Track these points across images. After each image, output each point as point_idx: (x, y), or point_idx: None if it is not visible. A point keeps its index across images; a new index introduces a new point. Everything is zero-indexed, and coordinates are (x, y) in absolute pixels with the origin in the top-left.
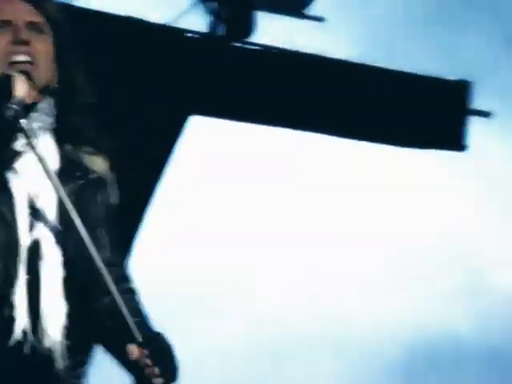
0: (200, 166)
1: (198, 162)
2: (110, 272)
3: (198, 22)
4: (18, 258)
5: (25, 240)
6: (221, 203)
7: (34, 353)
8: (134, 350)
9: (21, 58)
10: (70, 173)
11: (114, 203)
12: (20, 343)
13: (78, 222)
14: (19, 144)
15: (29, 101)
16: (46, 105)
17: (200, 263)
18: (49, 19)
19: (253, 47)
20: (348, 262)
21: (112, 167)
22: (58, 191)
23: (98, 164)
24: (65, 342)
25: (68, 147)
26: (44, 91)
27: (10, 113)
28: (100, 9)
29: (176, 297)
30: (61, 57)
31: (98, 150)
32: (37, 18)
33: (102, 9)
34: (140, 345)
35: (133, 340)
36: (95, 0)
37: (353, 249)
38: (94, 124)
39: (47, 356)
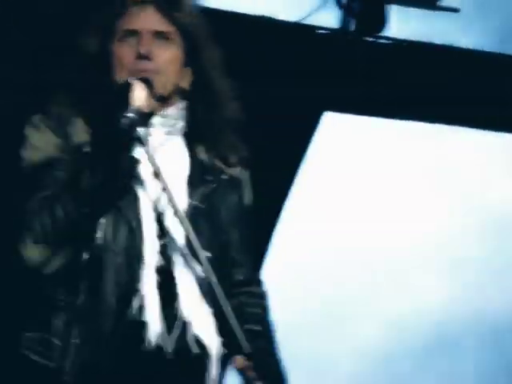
0: (334, 163)
1: (331, 159)
2: (238, 274)
3: (329, 18)
4: (142, 264)
5: (152, 245)
6: (354, 201)
7: (179, 358)
8: (238, 361)
9: (143, 67)
10: (201, 177)
11: (248, 204)
12: (159, 348)
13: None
14: (137, 152)
15: (147, 109)
16: (176, 109)
17: (335, 263)
18: (179, 26)
19: (385, 41)
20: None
21: (246, 167)
22: (172, 203)
23: (231, 164)
24: (216, 345)
25: (200, 150)
26: (171, 96)
27: (125, 121)
28: (231, 9)
29: (310, 298)
30: (195, 60)
31: (232, 151)
32: (165, 26)
33: (234, 9)
34: (246, 356)
35: (240, 351)
36: (225, 1)
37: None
38: (228, 124)
39: (198, 361)
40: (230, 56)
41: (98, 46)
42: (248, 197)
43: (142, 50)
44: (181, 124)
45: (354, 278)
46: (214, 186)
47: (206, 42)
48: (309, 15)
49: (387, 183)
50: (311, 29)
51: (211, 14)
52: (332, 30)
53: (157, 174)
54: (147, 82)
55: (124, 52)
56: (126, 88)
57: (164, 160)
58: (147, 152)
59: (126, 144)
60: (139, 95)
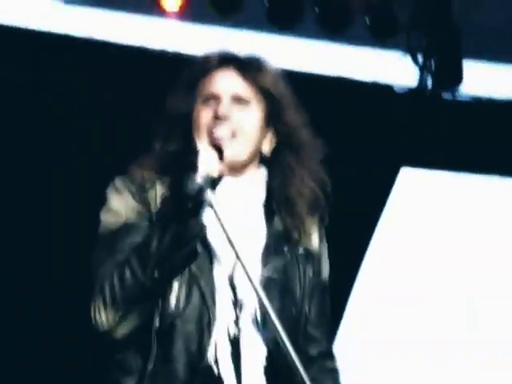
0: (411, 217)
1: (409, 213)
2: (312, 349)
3: (406, 75)
4: (213, 333)
5: (225, 314)
6: (432, 258)
7: None
8: None
9: (220, 133)
10: (276, 248)
11: (324, 278)
12: None
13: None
14: (208, 217)
15: (217, 174)
16: (254, 175)
17: (417, 326)
18: (260, 88)
19: (462, 98)
20: None
21: (324, 239)
22: (246, 273)
23: (309, 237)
24: None
25: (277, 219)
26: (250, 161)
27: (192, 187)
28: (310, 71)
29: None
30: (277, 123)
31: (311, 222)
32: (244, 89)
33: (312, 71)
34: None
35: None
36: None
37: None
38: (310, 194)
39: None
40: (311, 115)
41: (182, 110)
42: (326, 271)
43: (220, 113)
44: (259, 191)
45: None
46: (289, 258)
47: (289, 103)
48: (386, 74)
49: (465, 238)
50: (389, 87)
51: (292, 76)
52: (409, 88)
53: (229, 241)
54: (218, 150)
55: (203, 115)
56: (195, 152)
57: (239, 227)
58: (218, 218)
59: (193, 209)
60: (209, 160)
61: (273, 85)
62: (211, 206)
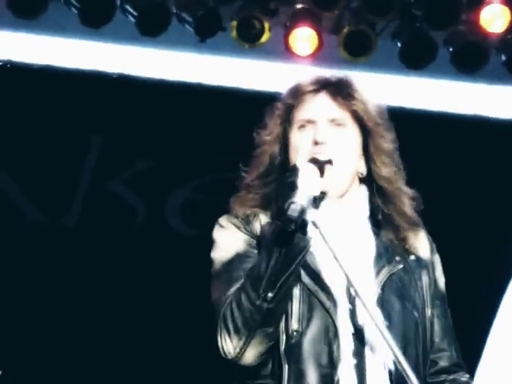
0: None
1: None
2: (442, 360)
3: None
4: (338, 344)
5: (347, 327)
6: None
7: None
8: None
9: (319, 157)
10: (387, 258)
11: (442, 288)
12: None
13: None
14: (313, 236)
15: (319, 191)
16: (356, 193)
17: None
18: (353, 112)
19: None
20: None
21: (433, 249)
22: (356, 291)
23: (417, 247)
24: None
25: (383, 232)
26: (350, 181)
27: (293, 208)
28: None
29: None
30: (367, 146)
31: (414, 235)
32: (339, 113)
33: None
34: None
35: None
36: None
37: None
38: (407, 211)
39: None
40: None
41: (277, 137)
42: (442, 281)
43: (318, 137)
44: (363, 207)
45: None
46: (402, 265)
47: (380, 127)
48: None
49: None
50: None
51: (426, 116)
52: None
53: (336, 259)
54: (320, 170)
55: (301, 140)
56: (295, 173)
57: (348, 241)
58: (323, 236)
59: (296, 231)
60: (309, 178)
61: (364, 108)
62: (315, 225)
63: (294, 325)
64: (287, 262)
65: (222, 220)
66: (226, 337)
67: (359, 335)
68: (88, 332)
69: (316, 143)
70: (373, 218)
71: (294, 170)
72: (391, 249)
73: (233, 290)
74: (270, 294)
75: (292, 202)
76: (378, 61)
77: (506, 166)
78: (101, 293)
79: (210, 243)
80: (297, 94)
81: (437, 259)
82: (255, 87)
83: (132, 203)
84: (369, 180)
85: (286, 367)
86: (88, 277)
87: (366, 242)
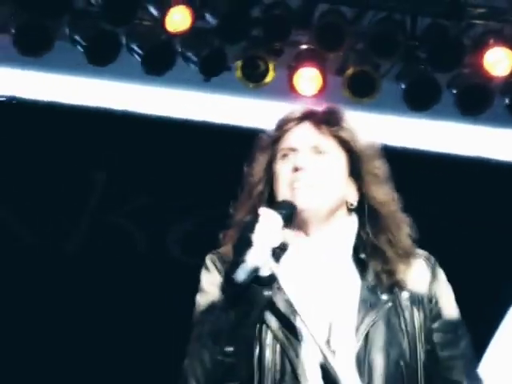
0: None
1: None
2: None
3: None
4: None
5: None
6: None
7: None
8: None
9: (298, 184)
10: (372, 301)
11: (449, 317)
12: None
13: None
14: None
15: (276, 244)
16: (342, 224)
17: None
18: (338, 139)
19: None
20: None
21: (436, 276)
22: (316, 341)
23: (412, 278)
24: None
25: (370, 269)
26: (334, 210)
27: (241, 270)
28: (448, 151)
29: None
30: (356, 174)
31: (406, 265)
32: (321, 141)
33: (450, 151)
34: None
35: None
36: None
37: None
38: (399, 241)
39: None
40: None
41: (263, 169)
42: (449, 309)
43: (298, 163)
44: (348, 239)
45: None
46: (389, 306)
47: (369, 156)
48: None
49: None
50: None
51: (425, 157)
52: None
53: (299, 316)
54: (288, 209)
55: (283, 169)
56: (251, 225)
57: (330, 280)
58: (284, 292)
59: (240, 292)
60: (268, 230)
61: (350, 135)
62: (272, 280)
63: (269, 380)
64: (246, 317)
65: (207, 259)
66: None
67: None
68: (88, 359)
69: (295, 169)
70: (357, 252)
71: (250, 222)
72: (378, 287)
73: (199, 344)
74: (229, 349)
75: (241, 262)
76: (382, 102)
77: (507, 208)
78: (101, 318)
79: None
80: (282, 125)
81: (440, 287)
82: (259, 126)
83: (134, 234)
84: (361, 207)
85: None
86: (89, 303)
87: (350, 285)
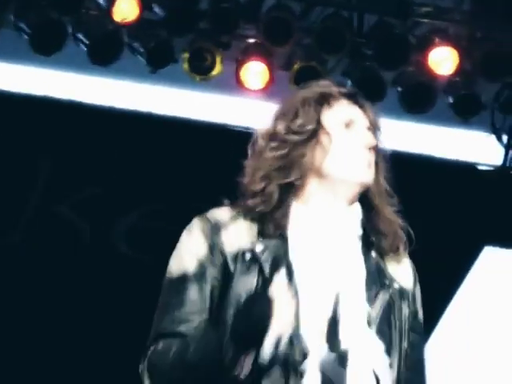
0: (490, 298)
1: (488, 293)
2: None
3: (490, 154)
4: None
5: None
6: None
7: None
8: None
9: (369, 162)
10: (377, 281)
11: (421, 321)
12: None
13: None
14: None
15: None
16: (355, 209)
17: None
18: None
19: None
20: None
21: (416, 280)
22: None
23: (402, 274)
24: None
25: (374, 254)
26: (355, 195)
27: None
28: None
29: None
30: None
31: (396, 260)
32: (371, 125)
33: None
34: None
35: None
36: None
37: None
38: (392, 233)
39: None
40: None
41: (311, 126)
42: (421, 313)
43: (372, 141)
44: (358, 227)
45: None
46: (391, 291)
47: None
48: (471, 152)
49: None
50: (472, 166)
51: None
52: (494, 167)
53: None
54: None
55: (350, 140)
56: (268, 303)
57: (337, 263)
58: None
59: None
60: (284, 317)
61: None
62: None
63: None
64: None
65: (194, 221)
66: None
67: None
68: (30, 354)
69: (369, 148)
70: (365, 237)
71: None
72: (380, 272)
73: (167, 331)
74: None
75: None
76: None
77: (449, 205)
78: (43, 311)
79: (155, 267)
80: (327, 92)
81: (418, 290)
82: (205, 119)
83: (78, 226)
84: (364, 197)
85: None
86: (31, 295)
87: (357, 264)
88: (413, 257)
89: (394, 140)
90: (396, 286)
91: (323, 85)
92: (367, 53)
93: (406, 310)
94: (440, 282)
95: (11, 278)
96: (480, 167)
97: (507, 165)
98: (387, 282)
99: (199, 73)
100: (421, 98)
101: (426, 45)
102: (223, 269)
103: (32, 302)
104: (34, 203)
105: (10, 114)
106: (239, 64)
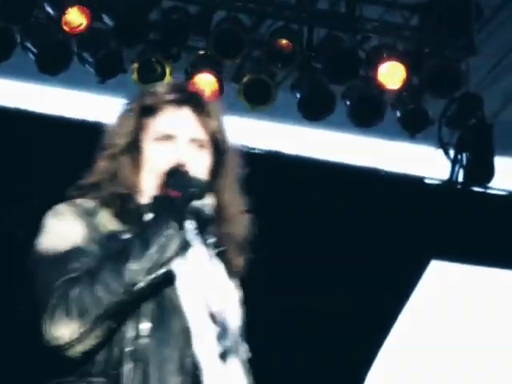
0: (439, 311)
1: (436, 306)
2: None
3: (437, 168)
4: (189, 346)
5: (206, 335)
6: (458, 350)
7: None
8: None
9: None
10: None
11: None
12: None
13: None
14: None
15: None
16: None
17: None
18: (212, 135)
19: (493, 192)
20: None
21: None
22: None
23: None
24: None
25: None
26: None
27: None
28: (341, 161)
29: None
30: (217, 173)
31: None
32: (200, 134)
33: (343, 161)
34: None
35: None
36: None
37: None
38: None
39: None
40: (342, 205)
41: (128, 139)
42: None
43: (181, 160)
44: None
45: None
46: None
47: (231, 151)
48: (418, 166)
49: (492, 333)
50: (420, 179)
51: (324, 167)
52: (440, 181)
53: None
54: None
55: (158, 156)
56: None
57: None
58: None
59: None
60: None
61: (220, 130)
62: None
63: (145, 325)
64: (166, 258)
65: (60, 207)
66: (64, 319)
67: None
68: None
69: (177, 165)
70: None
71: (192, 176)
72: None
73: (71, 277)
74: (138, 287)
75: (206, 205)
76: (278, 110)
77: (398, 219)
78: None
79: None
80: (157, 100)
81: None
82: None
83: None
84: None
85: (128, 367)
86: None
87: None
88: (361, 270)
89: (341, 153)
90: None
91: (159, 95)
92: (317, 66)
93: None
94: (388, 296)
95: None
96: (427, 181)
97: (454, 179)
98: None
99: (148, 83)
100: (370, 112)
101: (374, 59)
102: (101, 246)
103: None
104: None
105: None
106: (188, 75)
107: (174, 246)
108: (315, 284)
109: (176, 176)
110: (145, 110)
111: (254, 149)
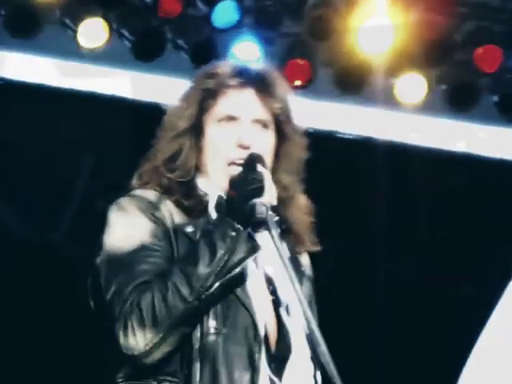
0: None
1: None
2: None
3: None
4: (257, 342)
5: (265, 323)
6: None
7: None
8: None
9: (242, 157)
10: (297, 269)
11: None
12: None
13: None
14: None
15: (275, 202)
16: None
17: None
18: (275, 115)
19: None
20: None
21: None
22: (293, 283)
23: (305, 261)
24: None
25: (285, 242)
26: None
27: (261, 209)
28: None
29: None
30: (279, 153)
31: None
32: (264, 114)
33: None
34: None
35: None
36: None
37: None
38: (303, 221)
39: None
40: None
41: (191, 125)
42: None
43: (245, 141)
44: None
45: None
46: (303, 275)
47: (295, 134)
48: None
49: None
50: None
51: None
52: None
53: (284, 264)
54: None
55: (222, 138)
56: (260, 174)
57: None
58: (275, 240)
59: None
60: (271, 186)
61: (285, 111)
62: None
63: (212, 322)
64: (234, 262)
65: (124, 201)
66: (138, 330)
67: (284, 340)
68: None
69: (241, 146)
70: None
71: (255, 170)
72: (295, 259)
73: (140, 282)
74: (208, 292)
75: (260, 204)
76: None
77: (491, 203)
78: None
79: None
80: (219, 83)
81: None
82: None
83: None
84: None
85: (197, 366)
86: None
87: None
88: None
89: (438, 139)
90: (307, 272)
91: (221, 77)
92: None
93: (311, 295)
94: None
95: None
96: None
97: None
98: (301, 268)
99: None
100: (466, 97)
101: (470, 43)
102: (168, 241)
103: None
104: None
105: None
106: (282, 61)
107: (241, 249)
108: None
109: (235, 177)
110: (207, 92)
111: (345, 134)
